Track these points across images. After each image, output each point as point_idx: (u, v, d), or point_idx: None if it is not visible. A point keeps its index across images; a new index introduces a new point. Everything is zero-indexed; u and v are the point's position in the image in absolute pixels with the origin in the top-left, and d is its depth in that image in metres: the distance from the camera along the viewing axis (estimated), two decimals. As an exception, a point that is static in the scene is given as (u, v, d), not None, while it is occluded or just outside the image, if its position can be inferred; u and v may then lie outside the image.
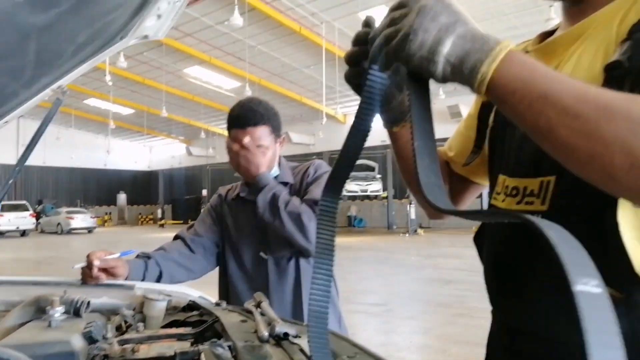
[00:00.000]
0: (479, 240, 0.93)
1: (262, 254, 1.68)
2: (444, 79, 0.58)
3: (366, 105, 0.65)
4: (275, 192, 1.59)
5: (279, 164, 1.76)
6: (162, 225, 29.36)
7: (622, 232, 0.63)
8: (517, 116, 0.57)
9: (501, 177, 0.84)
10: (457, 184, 1.05)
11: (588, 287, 0.32)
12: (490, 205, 0.86)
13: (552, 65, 0.77)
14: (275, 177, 1.71)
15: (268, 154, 1.65)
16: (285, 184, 1.70)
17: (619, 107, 0.51)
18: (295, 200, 1.59)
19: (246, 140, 1.59)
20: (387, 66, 0.61)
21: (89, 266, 1.38)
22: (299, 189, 1.70)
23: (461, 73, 0.56)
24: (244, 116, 1.63)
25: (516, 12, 13.76)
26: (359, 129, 0.65)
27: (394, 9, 0.60)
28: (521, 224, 0.74)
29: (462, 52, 0.56)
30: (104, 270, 1.39)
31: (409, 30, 0.56)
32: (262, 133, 1.63)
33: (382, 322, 5.95)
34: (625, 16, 0.67)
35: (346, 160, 0.66)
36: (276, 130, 1.69)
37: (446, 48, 0.56)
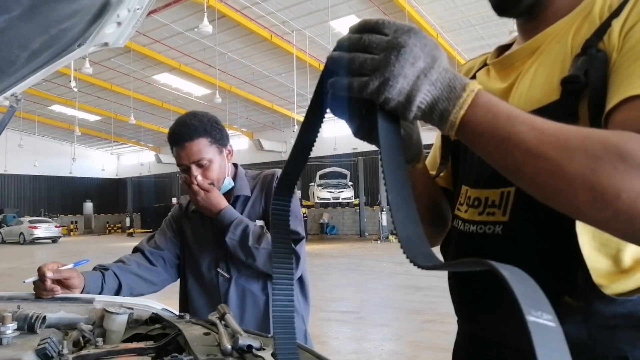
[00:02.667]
0: (445, 249, 0.94)
1: (221, 270, 1.63)
2: (413, 120, 0.59)
3: (314, 108, 0.64)
4: (244, 229, 1.54)
5: (235, 175, 1.71)
6: (130, 234, 28.68)
7: (581, 243, 0.65)
8: (487, 156, 0.59)
9: (464, 188, 0.85)
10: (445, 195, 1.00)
11: (541, 319, 0.35)
12: (454, 217, 0.87)
13: (511, 79, 0.79)
14: (231, 190, 1.68)
15: (214, 168, 1.59)
16: (237, 196, 1.67)
17: (576, 146, 0.53)
18: (268, 235, 1.53)
19: (198, 179, 1.56)
20: (356, 108, 0.59)
21: (41, 279, 1.32)
22: (261, 203, 1.67)
23: (431, 119, 0.58)
24: (179, 132, 1.57)
25: (482, 23, 14.18)
26: (309, 129, 0.64)
27: (370, 29, 0.57)
28: (482, 239, 0.76)
29: (432, 100, 0.56)
30: (58, 282, 1.34)
31: (390, 75, 0.54)
32: (201, 146, 1.56)
33: (353, 330, 5.95)
34: (578, 30, 0.70)
35: (296, 160, 0.66)
36: (218, 141, 1.61)
37: (420, 96, 0.56)
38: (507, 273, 0.37)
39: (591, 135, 0.55)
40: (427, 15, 13.97)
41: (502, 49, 0.89)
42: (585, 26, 0.69)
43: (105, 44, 1.21)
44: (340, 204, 23.73)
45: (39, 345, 0.94)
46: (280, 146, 25.55)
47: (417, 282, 9.02)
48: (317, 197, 21.87)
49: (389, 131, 0.58)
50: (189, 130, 1.56)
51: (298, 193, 1.78)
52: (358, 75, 0.56)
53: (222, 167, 1.63)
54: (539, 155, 0.54)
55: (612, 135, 0.55)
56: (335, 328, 5.96)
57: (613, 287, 0.66)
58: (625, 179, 0.51)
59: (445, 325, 5.62)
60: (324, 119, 0.65)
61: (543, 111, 0.67)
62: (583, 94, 0.64)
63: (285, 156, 25.19)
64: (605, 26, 0.66)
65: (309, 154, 0.66)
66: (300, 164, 0.66)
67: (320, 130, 0.66)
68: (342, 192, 21.83)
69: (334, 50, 0.60)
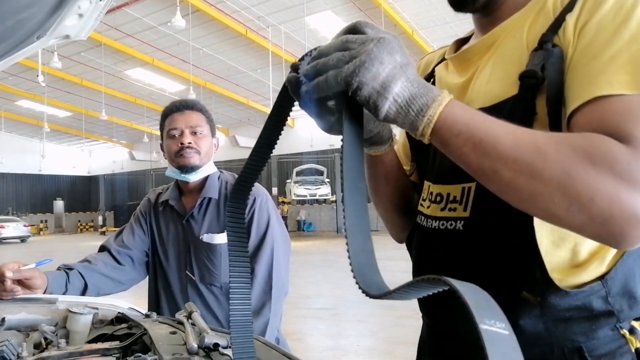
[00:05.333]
0: (409, 245, 0.94)
1: (189, 273, 1.61)
2: (385, 118, 0.57)
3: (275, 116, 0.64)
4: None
5: (207, 176, 1.69)
6: (103, 233, 28.13)
7: (539, 238, 0.65)
8: (463, 157, 0.58)
9: (426, 184, 0.85)
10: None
11: (494, 327, 0.36)
12: (417, 212, 0.87)
13: (469, 73, 0.79)
14: (202, 187, 1.66)
15: (206, 142, 1.65)
16: (209, 199, 1.65)
17: (550, 150, 0.54)
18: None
19: (191, 143, 1.59)
20: (327, 92, 0.57)
21: (0, 279, 1.27)
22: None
23: (406, 115, 0.57)
24: (179, 103, 1.67)
25: (457, 20, 14.33)
26: (265, 141, 0.65)
27: (348, 31, 0.58)
28: (444, 235, 0.76)
29: (409, 95, 0.56)
30: (19, 282, 1.29)
31: (366, 58, 0.54)
32: (199, 118, 1.65)
33: (329, 326, 5.96)
34: (532, 24, 0.70)
35: (255, 163, 0.66)
36: (211, 123, 1.70)
37: (397, 87, 0.55)
38: (460, 286, 0.38)
39: (563, 140, 0.55)
40: (403, 12, 14.05)
41: (460, 43, 0.90)
42: (539, 20, 0.70)
43: (67, 37, 1.17)
44: (317, 201, 23.72)
45: (-4, 348, 0.90)
46: (256, 143, 25.39)
47: (392, 277, 8.94)
48: (294, 193, 21.80)
49: (353, 157, 0.57)
50: (190, 103, 1.67)
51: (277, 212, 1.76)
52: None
53: (211, 148, 1.68)
54: (515, 158, 0.54)
55: (582, 139, 0.55)
56: (311, 325, 5.97)
57: (568, 280, 0.67)
58: (598, 182, 0.52)
59: (419, 320, 5.62)
60: (283, 128, 0.65)
61: (502, 106, 0.68)
62: (541, 89, 0.65)
63: (261, 153, 24.94)
64: (559, 21, 0.66)
65: (269, 157, 0.66)
66: (258, 168, 0.66)
67: (282, 133, 0.66)
68: (319, 188, 21.81)
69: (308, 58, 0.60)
